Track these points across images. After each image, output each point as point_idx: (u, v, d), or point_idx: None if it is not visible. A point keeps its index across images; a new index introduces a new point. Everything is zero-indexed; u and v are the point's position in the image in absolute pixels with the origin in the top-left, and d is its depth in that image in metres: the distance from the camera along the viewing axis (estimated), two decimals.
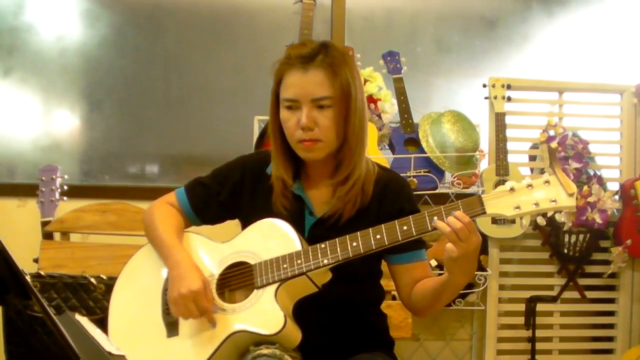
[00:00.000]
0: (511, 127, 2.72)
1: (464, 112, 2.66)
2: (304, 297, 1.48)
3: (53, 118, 2.88)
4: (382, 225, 1.43)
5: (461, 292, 2.04)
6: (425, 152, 2.57)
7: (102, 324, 1.51)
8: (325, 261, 1.43)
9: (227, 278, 1.52)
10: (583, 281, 2.80)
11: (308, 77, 1.48)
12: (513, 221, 2.58)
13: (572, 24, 3.08)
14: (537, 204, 1.36)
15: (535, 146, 2.81)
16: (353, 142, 1.53)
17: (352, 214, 1.54)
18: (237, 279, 1.51)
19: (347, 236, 1.44)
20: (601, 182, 2.75)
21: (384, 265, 1.64)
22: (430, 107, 2.81)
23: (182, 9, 2.92)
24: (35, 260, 2.39)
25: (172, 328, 1.50)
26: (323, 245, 1.44)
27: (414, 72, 2.86)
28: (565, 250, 2.74)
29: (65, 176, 2.55)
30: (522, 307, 2.58)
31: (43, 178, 2.51)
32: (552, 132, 2.72)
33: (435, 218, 1.39)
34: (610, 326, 2.83)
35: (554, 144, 2.67)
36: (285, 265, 1.44)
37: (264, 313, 1.42)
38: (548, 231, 2.74)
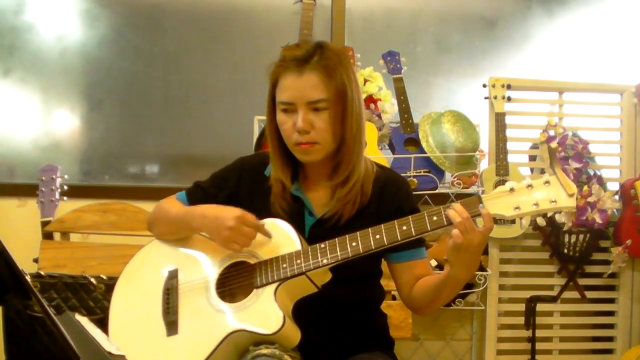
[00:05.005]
0: (511, 127, 2.72)
1: (464, 112, 2.66)
2: (304, 297, 1.48)
3: (53, 118, 2.88)
4: (382, 225, 1.43)
5: (461, 292, 2.03)
6: (425, 152, 2.57)
7: (102, 324, 1.51)
8: (325, 261, 1.43)
9: (227, 278, 1.52)
10: (583, 281, 2.80)
11: (303, 79, 1.48)
12: (513, 221, 2.58)
13: (572, 24, 3.08)
14: (537, 205, 1.35)
15: (535, 146, 2.81)
16: (351, 143, 1.52)
17: (352, 214, 1.54)
18: (237, 279, 1.51)
19: (347, 236, 1.44)
20: (601, 182, 2.75)
21: (384, 265, 1.64)
22: (430, 107, 2.81)
23: (182, 9, 2.92)
24: (35, 260, 2.39)
25: (171, 327, 1.50)
26: (322, 245, 1.44)
27: (414, 72, 2.86)
28: (565, 250, 2.74)
29: (65, 176, 2.55)
30: (522, 307, 2.58)
31: (43, 178, 2.51)
32: (552, 132, 2.72)
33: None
34: (610, 326, 2.83)
35: (554, 144, 2.67)
36: (284, 265, 1.44)
37: (263, 312, 1.42)
38: (548, 231, 2.73)
